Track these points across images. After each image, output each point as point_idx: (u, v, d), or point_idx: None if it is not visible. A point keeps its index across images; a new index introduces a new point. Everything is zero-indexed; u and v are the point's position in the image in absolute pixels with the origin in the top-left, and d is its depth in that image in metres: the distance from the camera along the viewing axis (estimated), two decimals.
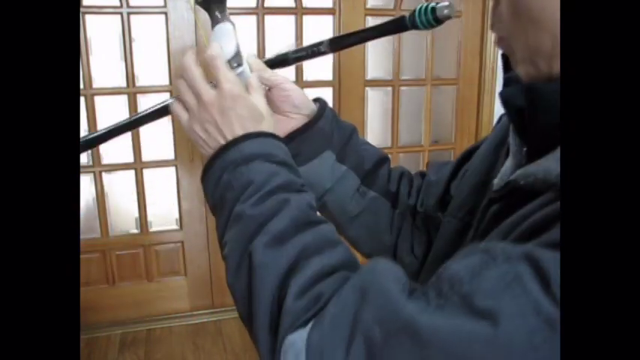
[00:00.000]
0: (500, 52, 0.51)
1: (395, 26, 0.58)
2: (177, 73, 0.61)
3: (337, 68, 2.29)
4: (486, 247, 0.36)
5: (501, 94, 0.48)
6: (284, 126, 0.68)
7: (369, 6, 2.28)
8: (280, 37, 2.22)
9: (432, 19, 0.53)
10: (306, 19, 2.22)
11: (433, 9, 0.52)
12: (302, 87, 0.64)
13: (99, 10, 2.03)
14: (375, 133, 2.44)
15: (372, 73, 2.37)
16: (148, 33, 2.10)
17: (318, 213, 0.52)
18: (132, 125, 0.66)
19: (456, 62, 2.45)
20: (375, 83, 2.39)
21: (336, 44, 0.62)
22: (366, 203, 0.70)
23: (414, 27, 0.55)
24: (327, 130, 0.69)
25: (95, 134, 0.64)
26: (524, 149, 0.50)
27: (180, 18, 2.08)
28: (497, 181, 0.51)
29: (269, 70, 0.65)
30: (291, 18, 2.21)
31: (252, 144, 0.53)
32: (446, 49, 2.45)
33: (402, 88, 2.42)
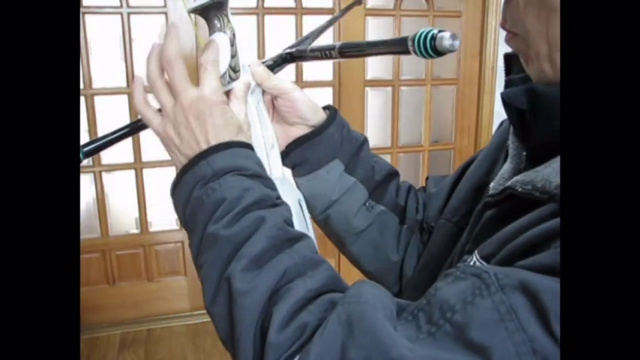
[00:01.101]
0: (502, 52, 0.50)
1: (398, 49, 0.48)
2: (152, 67, 0.55)
3: (337, 68, 2.29)
4: (478, 271, 0.35)
5: (502, 96, 0.46)
6: (289, 134, 0.64)
7: (369, 6, 2.28)
8: (280, 37, 2.22)
9: (431, 49, 0.43)
10: (306, 19, 2.22)
11: (433, 38, 0.42)
12: (302, 87, 0.61)
13: (99, 10, 2.03)
14: (375, 133, 2.44)
15: (372, 73, 2.37)
16: (148, 33, 2.10)
17: (301, 229, 0.49)
18: (121, 137, 0.63)
19: (456, 62, 2.45)
20: (375, 83, 2.39)
21: (346, 52, 0.58)
22: (373, 217, 0.66)
23: (415, 54, 0.45)
24: (337, 138, 0.64)
25: (89, 147, 0.63)
26: (524, 153, 0.49)
27: (180, 18, 2.07)
28: (493, 185, 0.50)
29: (274, 78, 0.60)
30: (291, 18, 2.21)
31: (222, 156, 0.49)
32: None
33: (402, 88, 2.42)
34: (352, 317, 0.36)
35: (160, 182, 2.26)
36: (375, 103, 2.42)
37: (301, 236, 0.47)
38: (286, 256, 0.44)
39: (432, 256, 0.60)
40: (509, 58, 0.53)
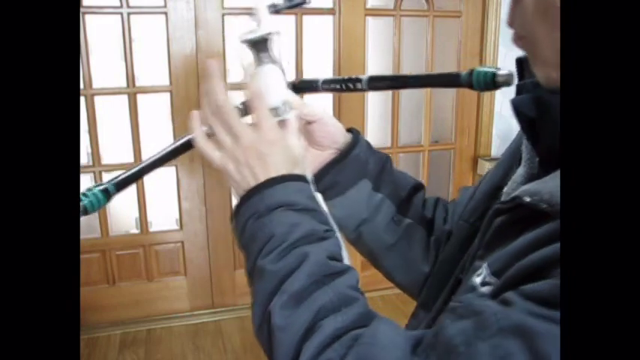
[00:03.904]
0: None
1: (448, 81, 0.56)
2: (209, 106, 0.54)
3: (337, 68, 2.29)
4: (480, 308, 0.36)
5: (512, 103, 0.47)
6: (320, 159, 0.67)
7: (369, 6, 2.28)
8: (280, 37, 2.22)
9: (491, 84, 0.51)
10: (306, 19, 2.22)
11: (494, 74, 0.50)
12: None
13: (99, 10, 2.03)
14: (375, 133, 2.44)
15: (372, 72, 2.36)
16: (148, 33, 2.10)
17: (345, 256, 0.51)
18: (153, 166, 0.61)
19: (456, 62, 2.45)
20: None
21: (375, 84, 0.61)
22: (401, 231, 0.69)
23: (469, 86, 0.53)
24: (363, 158, 0.67)
25: (116, 180, 0.59)
26: (537, 159, 0.50)
27: (180, 18, 2.08)
28: (506, 189, 0.51)
29: (308, 105, 0.63)
30: (291, 18, 2.21)
31: (275, 191, 0.52)
32: (446, 49, 2.45)
33: None
34: (364, 358, 0.39)
35: (160, 182, 2.26)
36: (375, 103, 2.42)
37: (342, 271, 0.48)
38: (323, 292, 0.45)
39: (448, 257, 0.61)
40: (521, 62, 0.52)
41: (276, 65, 0.57)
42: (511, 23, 0.46)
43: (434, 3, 2.35)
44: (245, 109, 0.57)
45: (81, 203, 0.52)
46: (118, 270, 2.27)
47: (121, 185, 0.58)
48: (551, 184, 0.40)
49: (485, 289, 0.43)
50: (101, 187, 0.56)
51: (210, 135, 0.56)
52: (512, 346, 0.33)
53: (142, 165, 0.60)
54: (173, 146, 0.61)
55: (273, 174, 0.52)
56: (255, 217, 0.51)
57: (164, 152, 0.61)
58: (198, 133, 0.56)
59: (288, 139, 0.56)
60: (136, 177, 0.60)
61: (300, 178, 0.54)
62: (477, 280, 0.44)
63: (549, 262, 0.36)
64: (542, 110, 0.43)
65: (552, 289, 0.34)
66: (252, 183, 0.53)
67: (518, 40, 0.46)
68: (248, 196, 0.52)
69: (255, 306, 0.48)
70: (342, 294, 0.46)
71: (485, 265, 0.44)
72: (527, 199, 0.41)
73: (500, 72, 0.49)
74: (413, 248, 0.69)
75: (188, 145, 0.60)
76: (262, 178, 0.52)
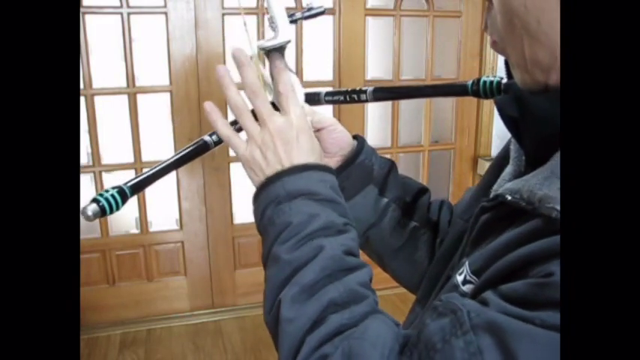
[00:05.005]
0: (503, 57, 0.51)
1: (456, 90, 0.62)
2: (236, 97, 0.54)
3: (337, 68, 2.29)
4: (455, 307, 0.37)
5: (496, 102, 0.48)
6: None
7: (369, 6, 2.28)
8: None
9: (496, 91, 0.57)
10: None
11: (499, 83, 0.57)
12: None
13: (99, 10, 2.03)
14: (375, 133, 2.44)
15: (372, 73, 2.37)
16: (148, 33, 2.11)
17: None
18: (169, 169, 0.61)
19: (456, 62, 2.45)
20: (375, 83, 2.39)
21: (379, 96, 0.65)
22: (407, 234, 0.70)
23: (475, 95, 0.59)
24: (368, 164, 0.69)
25: (135, 181, 0.58)
26: (523, 157, 0.50)
27: (180, 18, 2.08)
28: (495, 187, 0.51)
29: (318, 112, 0.66)
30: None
31: (296, 179, 0.52)
32: (446, 49, 2.45)
33: None
34: (352, 352, 0.40)
35: (160, 182, 2.25)
36: (375, 103, 2.42)
37: (356, 267, 0.48)
38: (334, 287, 0.46)
39: (444, 252, 0.62)
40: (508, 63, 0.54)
41: (291, 72, 0.58)
42: (485, 29, 0.48)
43: (434, 3, 2.35)
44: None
45: (98, 205, 0.52)
46: (118, 270, 2.27)
47: (136, 187, 0.57)
48: (532, 182, 0.40)
49: (466, 288, 0.43)
50: (117, 189, 0.55)
51: (233, 124, 0.56)
52: (483, 343, 0.33)
53: (158, 167, 0.60)
54: (189, 148, 0.61)
55: (297, 162, 0.53)
56: (275, 204, 0.51)
57: (180, 154, 0.61)
58: (221, 124, 0.56)
59: (312, 132, 0.57)
60: (151, 179, 0.59)
61: (324, 168, 0.54)
62: (459, 278, 0.45)
63: (527, 262, 0.36)
64: (523, 110, 0.44)
65: (528, 289, 0.34)
66: (279, 168, 0.53)
67: (493, 44, 0.47)
68: (269, 182, 0.52)
69: (267, 292, 0.49)
70: (353, 290, 0.46)
71: (466, 264, 0.45)
72: (509, 197, 0.42)
73: (505, 82, 0.52)
74: (419, 251, 0.70)
75: (205, 147, 0.60)
76: (287, 165, 0.52)
